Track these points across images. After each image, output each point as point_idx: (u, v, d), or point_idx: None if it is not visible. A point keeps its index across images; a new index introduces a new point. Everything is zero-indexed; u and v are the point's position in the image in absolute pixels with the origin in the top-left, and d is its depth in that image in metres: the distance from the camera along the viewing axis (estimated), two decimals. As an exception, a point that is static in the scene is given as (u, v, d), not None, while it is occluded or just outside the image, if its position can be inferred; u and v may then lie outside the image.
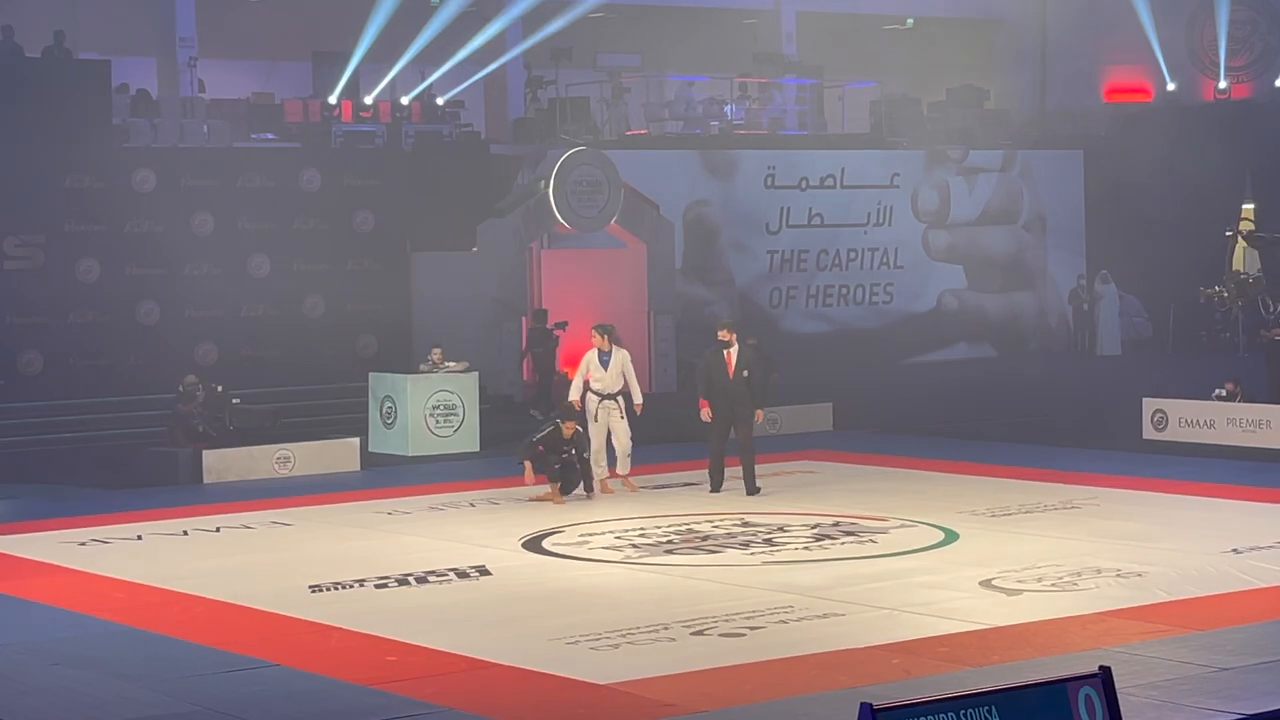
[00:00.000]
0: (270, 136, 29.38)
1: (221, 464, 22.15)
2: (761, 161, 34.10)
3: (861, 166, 35.29)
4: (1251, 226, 24.02)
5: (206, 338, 26.94)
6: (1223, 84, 39.21)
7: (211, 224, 27.37)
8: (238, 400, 23.63)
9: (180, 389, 23.32)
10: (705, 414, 19.65)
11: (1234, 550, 15.55)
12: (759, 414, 19.76)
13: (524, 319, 28.25)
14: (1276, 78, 38.77)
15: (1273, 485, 19.54)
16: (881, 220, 35.57)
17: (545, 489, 19.52)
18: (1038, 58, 41.03)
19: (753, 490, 19.37)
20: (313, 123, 29.69)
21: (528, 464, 19.55)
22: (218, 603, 14.57)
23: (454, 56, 30.80)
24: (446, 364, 24.39)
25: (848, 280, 35.35)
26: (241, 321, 27.49)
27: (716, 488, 19.71)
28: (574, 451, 19.49)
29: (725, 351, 19.54)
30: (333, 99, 29.68)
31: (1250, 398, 23.88)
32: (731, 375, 19.49)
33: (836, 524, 17.38)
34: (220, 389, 23.48)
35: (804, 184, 34.57)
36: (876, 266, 35.65)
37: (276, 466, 22.35)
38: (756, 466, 19.63)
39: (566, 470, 19.54)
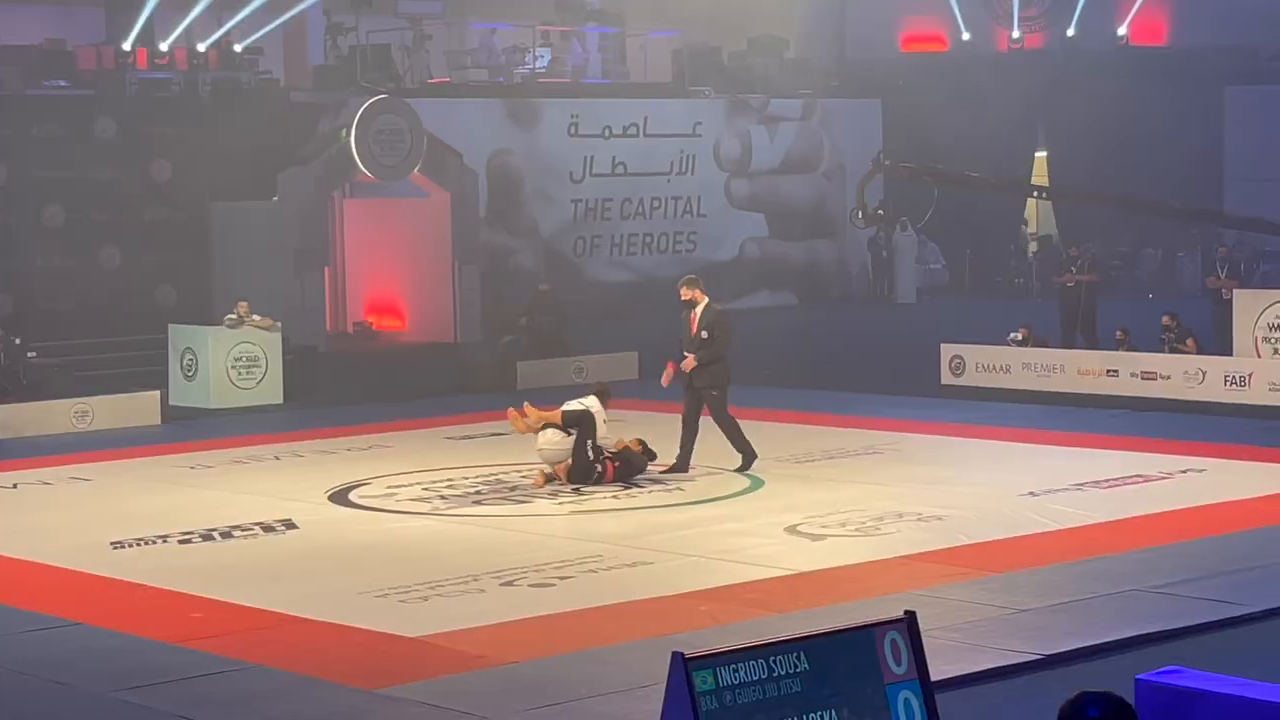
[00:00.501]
0: (63, 84, 28.71)
1: (16, 419, 21.69)
2: (564, 110, 34.07)
3: (664, 115, 35.40)
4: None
5: (0, 289, 26.34)
6: (1016, 33, 39.88)
7: (4, 173, 26.72)
8: (33, 354, 23.16)
9: (-16, 341, 22.90)
10: (665, 376, 17.62)
11: (1030, 493, 15.93)
12: (669, 369, 17.51)
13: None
14: (1068, 27, 39.51)
15: (1064, 429, 20.03)
16: (684, 169, 35.73)
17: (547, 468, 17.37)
18: (835, 7, 41.42)
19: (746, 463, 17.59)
20: (106, 70, 29.06)
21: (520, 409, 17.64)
22: (16, 560, 14.32)
23: (252, 2, 30.32)
24: (252, 318, 24.10)
25: (651, 229, 35.49)
26: (36, 272, 26.91)
27: (680, 466, 17.55)
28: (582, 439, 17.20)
29: (692, 311, 17.53)
30: (127, 45, 29.06)
31: (1041, 342, 24.41)
32: (693, 336, 17.50)
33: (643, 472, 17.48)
34: (18, 341, 23.01)
35: (606, 133, 34.60)
36: (679, 215, 35.82)
37: (74, 421, 21.94)
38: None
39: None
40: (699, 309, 17.60)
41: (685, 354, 17.57)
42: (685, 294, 17.66)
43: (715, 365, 17.54)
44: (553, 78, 34.89)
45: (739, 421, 17.62)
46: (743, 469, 17.56)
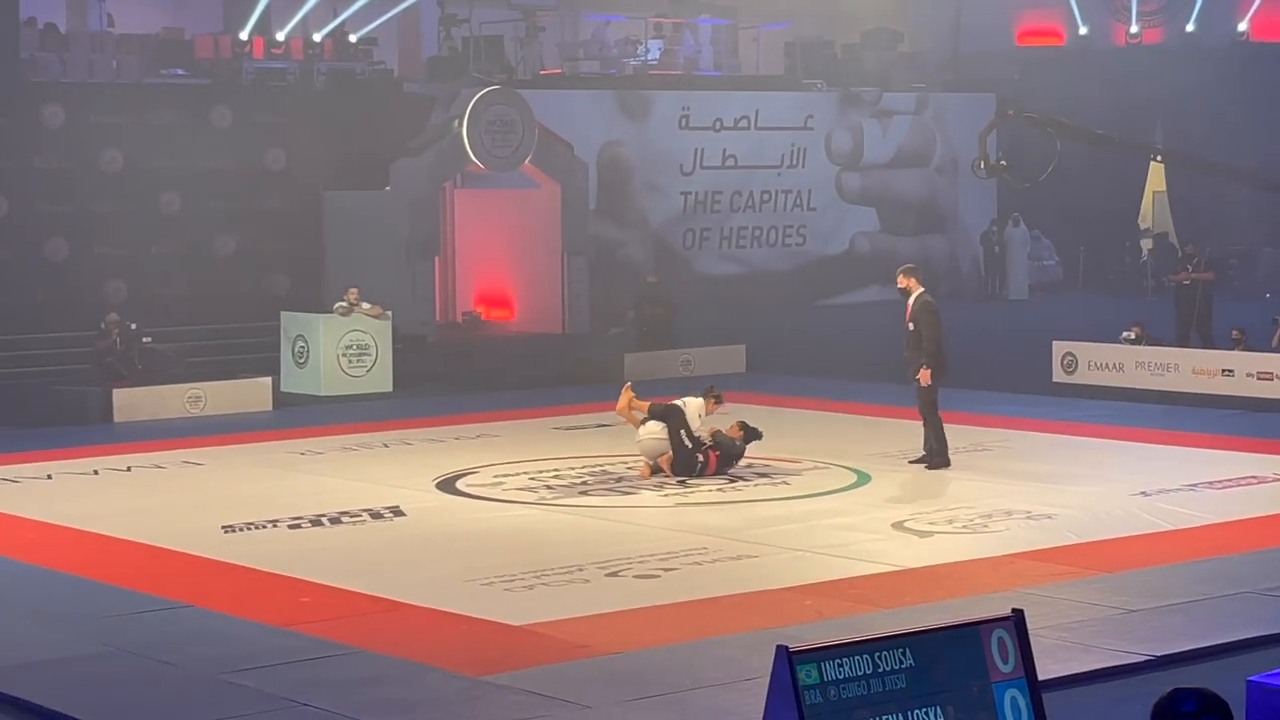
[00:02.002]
0: (180, 72, 29.03)
1: (132, 403, 21.97)
2: (676, 102, 34.04)
3: (776, 108, 35.29)
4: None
5: (116, 275, 26.66)
6: (1134, 28, 39.45)
7: (121, 160, 27.05)
8: (149, 339, 23.45)
9: (102, 326, 23.22)
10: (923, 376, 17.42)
11: (1142, 493, 15.74)
12: (923, 373, 17.30)
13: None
14: (1187, 23, 39.03)
15: (1179, 429, 19.78)
16: (795, 162, 35.61)
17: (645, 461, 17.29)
18: (950, 0, 41.13)
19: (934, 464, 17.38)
20: (224, 59, 29.36)
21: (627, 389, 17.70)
22: (129, 543, 14.49)
23: (366, -7, 30.54)
24: (362, 305, 24.27)
25: (761, 222, 35.40)
26: (152, 259, 27.21)
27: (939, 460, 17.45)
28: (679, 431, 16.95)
29: (908, 301, 17.56)
30: (244, 35, 29.34)
31: (1155, 340, 24.12)
32: (906, 324, 17.52)
33: (749, 465, 17.45)
34: (134, 327, 23.32)
35: (718, 125, 34.54)
36: (790, 208, 35.70)
37: (188, 406, 22.19)
38: None
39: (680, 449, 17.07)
40: (912, 299, 17.47)
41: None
42: (901, 283, 17.64)
43: (932, 355, 17.29)
44: (664, 69, 34.88)
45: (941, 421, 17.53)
46: (926, 463, 17.37)
